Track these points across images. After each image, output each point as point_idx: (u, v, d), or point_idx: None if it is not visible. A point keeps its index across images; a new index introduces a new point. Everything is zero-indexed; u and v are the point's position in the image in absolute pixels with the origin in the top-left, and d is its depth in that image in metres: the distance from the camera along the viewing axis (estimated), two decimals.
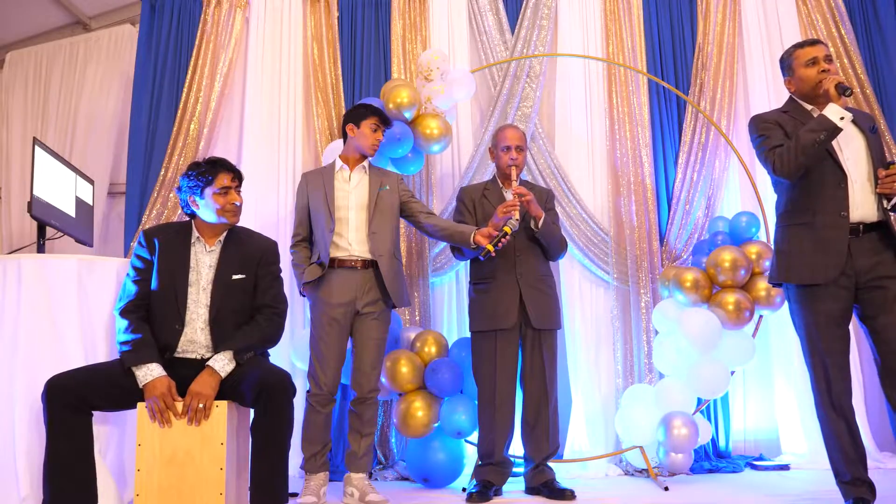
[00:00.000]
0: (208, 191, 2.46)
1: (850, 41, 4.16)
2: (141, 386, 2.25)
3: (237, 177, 2.54)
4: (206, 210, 2.48)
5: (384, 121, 3.11)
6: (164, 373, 2.28)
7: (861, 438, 2.47)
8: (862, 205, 2.44)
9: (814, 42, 2.58)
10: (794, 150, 2.40)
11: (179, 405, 2.25)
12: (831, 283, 2.42)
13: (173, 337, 2.40)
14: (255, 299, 2.52)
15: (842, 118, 2.35)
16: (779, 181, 2.57)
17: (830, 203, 2.44)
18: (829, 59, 2.53)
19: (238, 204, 2.51)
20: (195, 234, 2.52)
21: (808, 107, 2.57)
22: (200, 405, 2.22)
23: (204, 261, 2.49)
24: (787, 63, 2.62)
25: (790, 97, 2.65)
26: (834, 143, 2.44)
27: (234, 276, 2.48)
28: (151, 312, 2.43)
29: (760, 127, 2.57)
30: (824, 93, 2.44)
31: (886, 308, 2.40)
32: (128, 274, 2.48)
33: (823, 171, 2.45)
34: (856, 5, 4.31)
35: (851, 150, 2.49)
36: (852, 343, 3.76)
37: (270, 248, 2.62)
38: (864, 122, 2.56)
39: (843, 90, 2.37)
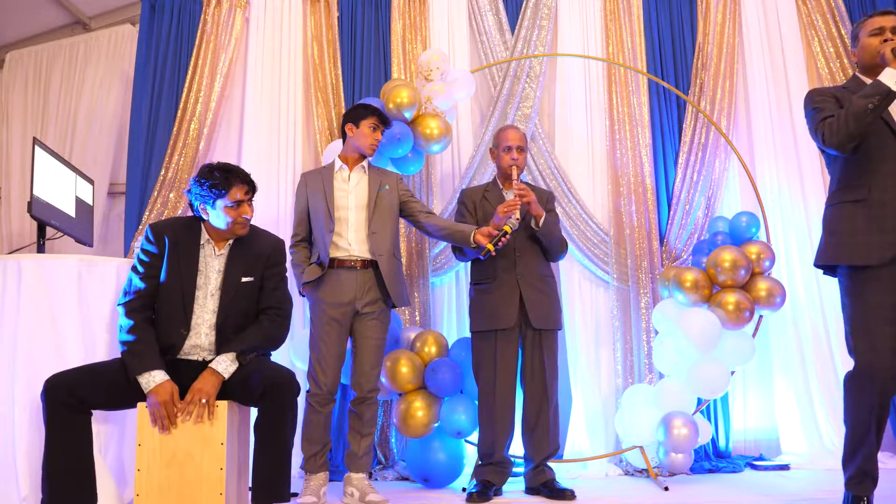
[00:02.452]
0: (220, 203, 2.41)
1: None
2: (145, 392, 2.24)
3: (251, 189, 2.48)
4: (217, 220, 2.45)
5: (383, 121, 3.11)
6: (167, 377, 2.26)
7: (881, 433, 2.33)
8: None
9: (886, 12, 2.42)
10: (846, 117, 2.23)
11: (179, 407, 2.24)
12: (886, 266, 2.23)
13: (178, 340, 2.38)
14: (260, 300, 2.52)
15: None
16: (833, 159, 2.40)
17: (889, 179, 2.26)
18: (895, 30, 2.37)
19: (248, 218, 2.47)
20: (205, 235, 2.49)
21: (868, 80, 2.38)
22: (203, 400, 2.22)
23: (213, 265, 2.47)
24: (854, 33, 2.49)
25: (853, 74, 2.50)
26: (894, 112, 2.29)
27: (243, 279, 2.47)
28: (157, 312, 2.41)
29: (815, 100, 2.41)
30: (882, 58, 2.25)
31: None
32: (134, 268, 2.43)
33: (882, 144, 2.28)
34: (856, 5, 4.31)
35: None
36: None
37: (277, 247, 2.60)
38: None
39: None
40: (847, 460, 2.39)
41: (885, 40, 2.34)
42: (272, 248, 2.57)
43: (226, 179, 2.40)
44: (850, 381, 2.35)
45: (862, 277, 2.27)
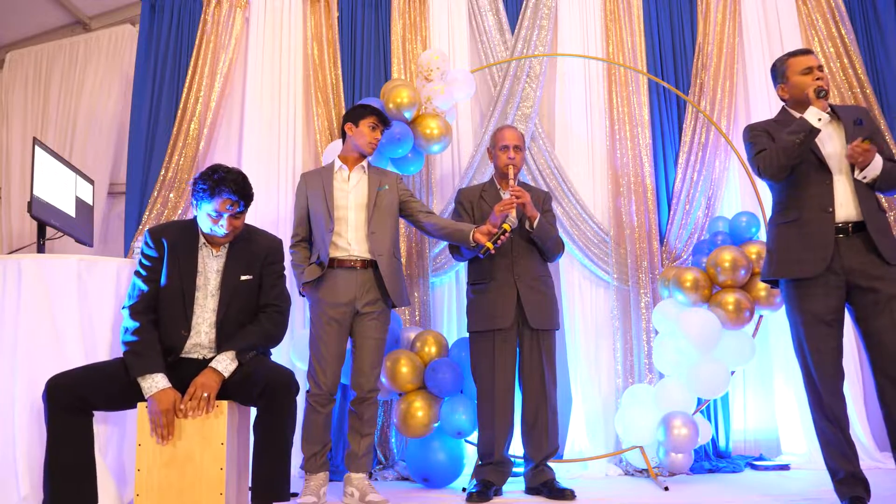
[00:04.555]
0: (205, 207, 2.41)
1: (850, 41, 4.16)
2: (146, 396, 2.24)
3: (240, 203, 2.41)
4: (201, 221, 2.46)
5: (383, 120, 3.11)
6: (168, 384, 2.26)
7: (850, 435, 2.50)
8: (846, 203, 2.51)
9: (807, 52, 2.70)
10: (776, 151, 2.52)
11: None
12: (819, 279, 2.48)
13: (179, 341, 2.39)
14: (259, 298, 2.52)
15: (819, 119, 2.45)
16: (771, 185, 2.67)
17: (815, 200, 2.52)
18: (821, 68, 2.64)
19: (225, 230, 2.41)
20: (202, 238, 2.50)
21: (797, 114, 2.63)
22: (204, 394, 2.22)
23: (211, 265, 2.47)
24: (780, 70, 2.70)
25: (783, 107, 2.73)
26: (818, 142, 2.54)
27: (242, 277, 2.48)
28: (158, 313, 2.41)
29: (751, 135, 2.69)
30: (805, 97, 2.54)
31: (877, 311, 2.44)
32: (137, 272, 2.45)
33: (808, 170, 2.54)
34: (856, 5, 4.31)
35: (834, 149, 2.56)
36: (852, 343, 3.80)
37: (275, 246, 2.60)
38: (848, 117, 2.61)
39: (818, 92, 2.48)
40: (830, 466, 2.52)
41: (818, 79, 2.58)
42: (269, 247, 2.58)
43: (215, 188, 2.37)
44: (808, 391, 2.56)
45: (800, 289, 2.54)
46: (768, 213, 3.88)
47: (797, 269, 2.52)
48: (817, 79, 2.58)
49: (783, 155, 2.49)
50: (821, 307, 2.49)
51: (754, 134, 2.67)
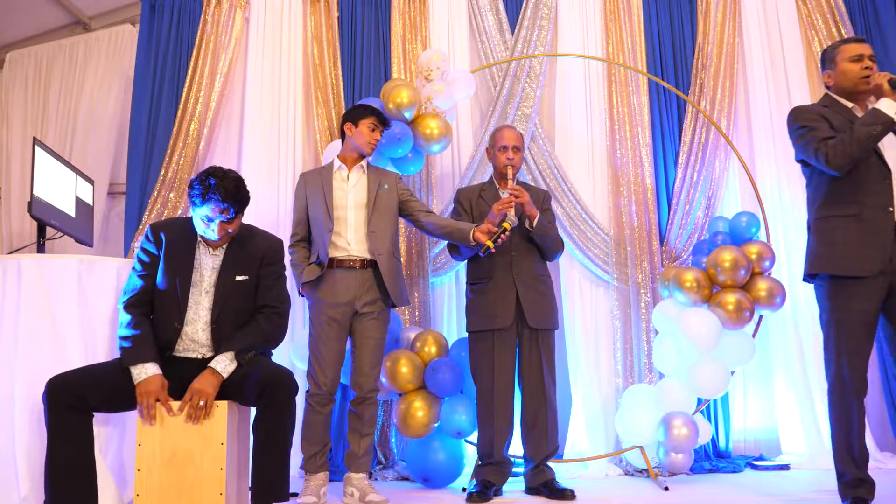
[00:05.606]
0: (198, 211, 2.40)
1: None
2: (135, 383, 2.25)
3: (230, 208, 2.37)
4: (195, 224, 2.46)
5: (382, 121, 3.11)
6: (158, 372, 2.28)
7: (865, 440, 2.47)
8: None
9: (860, 40, 2.62)
10: (849, 142, 2.40)
11: (175, 405, 2.25)
12: (871, 279, 2.41)
13: (173, 335, 2.40)
14: (256, 299, 2.52)
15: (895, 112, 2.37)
16: (817, 174, 2.56)
17: (877, 197, 2.45)
18: (873, 58, 2.56)
19: (216, 236, 2.40)
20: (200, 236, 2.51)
21: (848, 104, 2.57)
22: (201, 402, 2.22)
23: (207, 263, 2.48)
24: (829, 56, 2.63)
25: (826, 94, 2.66)
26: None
27: (238, 278, 2.48)
28: (154, 309, 2.43)
29: (804, 118, 2.56)
30: (876, 87, 2.47)
31: None
32: (133, 267, 2.47)
33: (869, 166, 2.47)
34: (856, 5, 4.31)
35: (893, 149, 2.50)
36: None
37: (273, 247, 2.60)
38: None
39: (894, 84, 2.41)
40: (839, 469, 2.47)
41: (866, 67, 2.53)
42: (268, 248, 2.57)
43: (205, 193, 2.35)
44: (833, 390, 2.49)
45: (851, 287, 2.44)
46: (769, 213, 3.94)
47: (856, 266, 2.42)
48: (866, 67, 2.52)
49: (856, 146, 2.39)
50: (868, 307, 2.42)
51: (810, 118, 2.55)
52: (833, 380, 2.49)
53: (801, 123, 2.56)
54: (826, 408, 3.70)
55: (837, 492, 2.49)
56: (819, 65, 2.70)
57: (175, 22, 4.17)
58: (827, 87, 2.66)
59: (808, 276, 2.60)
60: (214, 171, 2.41)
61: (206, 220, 2.40)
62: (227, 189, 2.36)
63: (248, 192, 2.46)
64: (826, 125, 2.51)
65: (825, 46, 4.17)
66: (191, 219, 2.53)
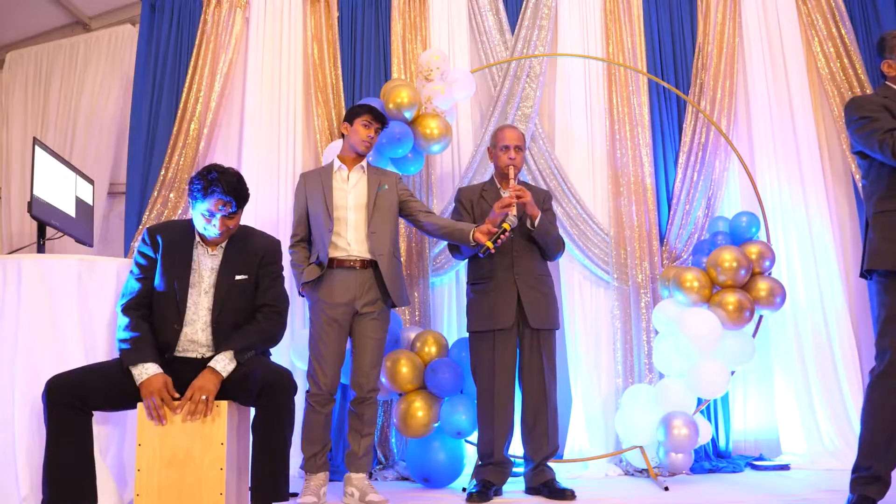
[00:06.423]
0: (200, 206, 2.40)
1: (850, 41, 4.16)
2: (137, 384, 2.25)
3: (233, 201, 2.38)
4: (196, 220, 2.46)
5: (377, 117, 3.09)
6: (160, 370, 2.28)
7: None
8: None
9: None
10: None
11: (178, 403, 2.25)
12: None
13: (172, 336, 2.40)
14: (255, 299, 2.52)
15: None
16: (878, 166, 2.48)
17: None
18: None
19: (218, 231, 2.41)
20: (198, 237, 2.50)
21: None
22: (203, 397, 2.22)
23: (206, 263, 2.48)
24: (888, 45, 2.55)
25: (884, 84, 2.59)
26: None
27: (238, 277, 2.48)
28: (153, 311, 2.43)
29: (866, 108, 2.47)
30: None
31: None
32: (131, 271, 2.47)
33: None
34: (856, 5, 4.31)
35: None
36: (854, 343, 3.81)
37: (271, 247, 2.60)
38: None
39: None
40: (861, 463, 2.37)
41: None
42: (266, 248, 2.57)
43: (208, 187, 2.36)
44: (880, 380, 2.37)
45: None
46: (769, 213, 3.94)
47: None
48: None
49: None
50: None
51: (872, 108, 2.45)
52: (881, 377, 2.37)
53: (861, 114, 2.45)
54: (826, 408, 3.78)
55: (849, 484, 2.41)
56: (878, 52, 2.58)
57: (175, 22, 4.17)
58: (884, 77, 2.56)
59: (867, 273, 2.50)
60: (213, 167, 2.42)
61: (207, 215, 2.40)
62: (229, 182, 2.37)
63: (248, 188, 2.48)
64: (888, 115, 2.41)
65: (825, 46, 4.17)
66: (188, 220, 2.53)
